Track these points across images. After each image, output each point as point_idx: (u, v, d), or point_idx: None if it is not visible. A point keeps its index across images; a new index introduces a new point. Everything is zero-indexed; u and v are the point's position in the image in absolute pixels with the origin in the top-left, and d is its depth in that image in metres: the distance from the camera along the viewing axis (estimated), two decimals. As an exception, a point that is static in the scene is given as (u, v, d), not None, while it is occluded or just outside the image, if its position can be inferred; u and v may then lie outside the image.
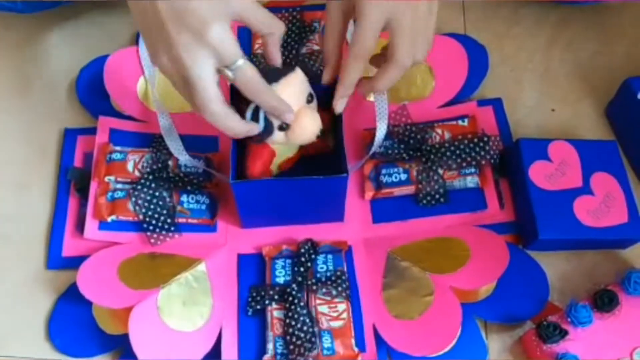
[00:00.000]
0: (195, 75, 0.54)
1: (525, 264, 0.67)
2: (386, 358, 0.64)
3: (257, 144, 0.63)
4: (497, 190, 0.71)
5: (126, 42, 0.82)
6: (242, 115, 0.60)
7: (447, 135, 0.72)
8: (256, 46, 0.79)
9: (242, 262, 0.68)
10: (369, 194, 0.71)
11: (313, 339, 0.62)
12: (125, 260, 0.67)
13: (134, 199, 0.68)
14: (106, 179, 0.70)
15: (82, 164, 0.74)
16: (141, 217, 0.68)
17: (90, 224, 0.69)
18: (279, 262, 0.68)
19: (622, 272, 0.64)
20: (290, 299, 0.64)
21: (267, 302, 0.65)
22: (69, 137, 0.76)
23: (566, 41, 0.82)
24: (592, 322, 0.62)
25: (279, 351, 0.62)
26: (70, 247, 0.70)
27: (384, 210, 0.71)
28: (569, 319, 0.62)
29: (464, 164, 0.70)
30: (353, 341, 0.63)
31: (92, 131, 0.74)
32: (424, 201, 0.70)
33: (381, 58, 0.61)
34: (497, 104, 0.76)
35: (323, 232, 0.69)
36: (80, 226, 0.70)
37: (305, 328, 0.62)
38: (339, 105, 0.63)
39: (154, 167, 0.70)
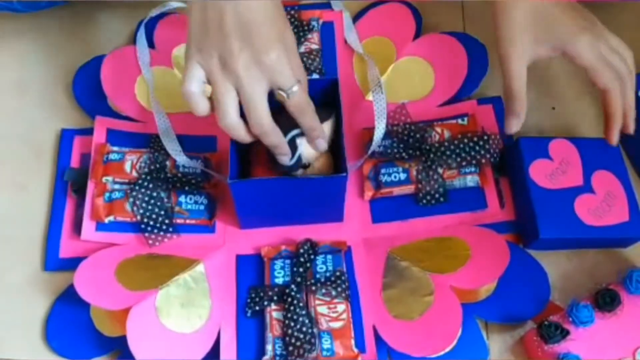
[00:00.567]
0: (248, 92, 0.56)
1: (526, 264, 0.67)
2: (386, 359, 0.64)
3: (276, 170, 0.64)
4: (498, 189, 0.71)
5: (123, 42, 0.82)
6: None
7: (446, 134, 0.72)
8: None
9: (241, 262, 0.68)
10: (369, 194, 0.71)
11: (312, 340, 0.62)
12: (123, 261, 0.66)
13: (131, 199, 0.68)
14: (103, 179, 0.70)
15: (79, 165, 0.74)
16: (139, 217, 0.68)
17: (88, 225, 0.69)
18: (278, 263, 0.67)
19: (624, 271, 0.64)
20: (290, 299, 0.63)
21: (266, 303, 0.64)
22: (66, 137, 0.76)
23: (566, 39, 0.82)
24: (594, 322, 0.61)
25: (278, 352, 0.62)
26: (67, 248, 0.69)
27: (384, 210, 0.70)
28: (570, 319, 0.61)
29: (464, 163, 0.70)
30: (353, 342, 0.63)
31: (89, 131, 0.74)
32: (424, 201, 0.70)
33: None
34: (497, 103, 0.76)
35: (322, 232, 0.69)
36: (77, 227, 0.69)
37: (304, 329, 0.62)
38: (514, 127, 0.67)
39: (152, 167, 0.70)
